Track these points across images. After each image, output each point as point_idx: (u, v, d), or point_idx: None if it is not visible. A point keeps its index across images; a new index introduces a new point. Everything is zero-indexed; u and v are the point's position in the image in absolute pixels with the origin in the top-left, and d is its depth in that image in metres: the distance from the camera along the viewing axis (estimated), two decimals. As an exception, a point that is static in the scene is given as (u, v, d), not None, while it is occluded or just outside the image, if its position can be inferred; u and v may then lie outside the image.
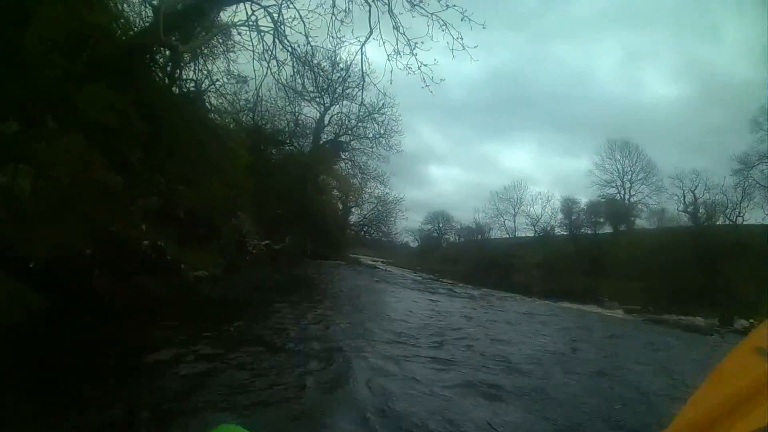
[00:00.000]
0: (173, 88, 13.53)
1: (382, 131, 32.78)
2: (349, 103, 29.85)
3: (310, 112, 30.63)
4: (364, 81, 7.58)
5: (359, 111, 30.11)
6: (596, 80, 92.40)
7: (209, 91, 13.38)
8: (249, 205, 16.47)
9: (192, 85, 13.75)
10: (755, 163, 38.16)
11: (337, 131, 33.17)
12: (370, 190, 37.76)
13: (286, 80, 8.98)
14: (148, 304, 6.64)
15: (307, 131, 29.24)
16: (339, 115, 32.60)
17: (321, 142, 31.43)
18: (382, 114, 31.12)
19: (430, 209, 66.62)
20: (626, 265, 37.05)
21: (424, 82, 7.64)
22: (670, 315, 26.74)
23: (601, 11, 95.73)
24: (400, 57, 7.69)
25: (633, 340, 15.77)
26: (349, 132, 33.57)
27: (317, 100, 29.13)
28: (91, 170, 8.59)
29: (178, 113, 12.15)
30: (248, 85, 12.56)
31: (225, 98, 13.59)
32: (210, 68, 13.03)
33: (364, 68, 7.45)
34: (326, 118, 31.95)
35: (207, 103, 13.70)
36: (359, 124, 32.82)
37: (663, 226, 43.60)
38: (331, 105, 31.09)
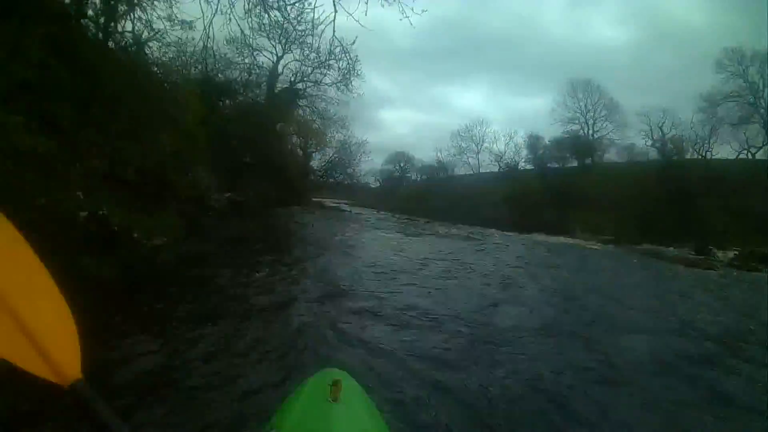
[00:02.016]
0: (108, 42, 11.75)
1: (339, 77, 30.05)
2: (304, 51, 27.69)
3: (262, 62, 28.41)
4: (336, 11, 6.22)
5: (318, 57, 27.94)
6: (542, 23, 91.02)
7: (151, 41, 11.64)
8: (205, 158, 15.09)
9: (130, 37, 11.96)
10: (719, 102, 38.83)
11: (293, 79, 31.05)
12: (331, 135, 36.11)
13: (238, 21, 7.42)
14: (95, 290, 5.48)
15: (262, 81, 27.10)
16: (293, 63, 30.37)
17: (276, 90, 29.35)
18: (340, 59, 28.85)
19: (386, 151, 65.11)
20: (596, 198, 37.04)
21: (403, 13, 6.37)
22: (646, 245, 26.79)
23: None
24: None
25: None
26: (306, 79, 31.46)
27: (269, 49, 26.99)
28: (8, 136, 7.24)
29: (115, 67, 10.55)
30: (195, 30, 10.80)
31: (169, 48, 11.85)
32: (149, 17, 11.23)
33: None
34: (279, 67, 29.76)
35: (149, 55, 11.99)
36: (316, 70, 30.63)
37: (632, 160, 43.61)
38: (284, 53, 28.85)
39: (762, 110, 39.25)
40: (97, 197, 7.18)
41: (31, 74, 7.82)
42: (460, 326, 6.28)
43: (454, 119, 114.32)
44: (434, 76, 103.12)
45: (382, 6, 6.48)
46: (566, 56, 78.78)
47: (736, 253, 24.00)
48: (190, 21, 10.58)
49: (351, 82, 28.95)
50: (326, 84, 31.03)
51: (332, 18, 6.61)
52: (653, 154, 42.72)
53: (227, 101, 21.30)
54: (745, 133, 39.64)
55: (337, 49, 6.84)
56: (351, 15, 6.44)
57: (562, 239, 27.92)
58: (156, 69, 12.04)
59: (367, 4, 6.32)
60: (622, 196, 35.16)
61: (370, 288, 8.20)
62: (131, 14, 10.95)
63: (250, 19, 7.60)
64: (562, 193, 39.60)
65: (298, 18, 7.84)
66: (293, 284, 8.26)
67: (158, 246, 8.84)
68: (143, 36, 11.32)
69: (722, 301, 11.11)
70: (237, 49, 23.42)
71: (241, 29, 7.71)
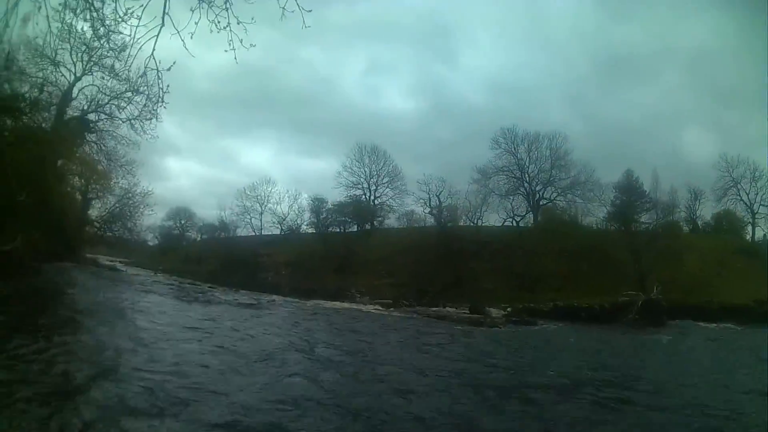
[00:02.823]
0: None
1: (136, 113, 26.77)
2: (107, 75, 24.60)
3: (57, 79, 23.66)
4: (163, 24, 5.21)
5: (124, 83, 25.04)
6: (341, 86, 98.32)
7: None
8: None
9: None
10: (491, 175, 46.10)
11: (86, 107, 26.74)
12: (116, 180, 31.33)
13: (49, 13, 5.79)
14: None
15: (53, 103, 22.42)
16: (90, 87, 26.31)
17: (66, 118, 24.61)
18: (141, 93, 25.10)
19: (167, 205, 60.05)
20: (376, 262, 38.95)
21: (231, 45, 5.67)
22: (424, 307, 28.56)
23: (353, 20, 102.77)
24: (210, 7, 5.57)
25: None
26: (100, 110, 27.38)
27: (68, 65, 23.14)
28: None
29: None
30: None
31: None
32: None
33: (166, 8, 5.11)
34: (74, 90, 25.33)
35: None
36: (113, 101, 26.93)
37: (411, 226, 47.58)
38: (83, 74, 24.95)
39: (526, 184, 47.96)
40: None
41: None
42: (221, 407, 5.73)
43: (240, 176, 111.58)
44: (225, 128, 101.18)
45: (211, 31, 5.76)
46: (357, 120, 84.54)
47: (508, 309, 27.58)
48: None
49: (157, 115, 26.14)
50: (121, 119, 27.30)
51: (156, 33, 5.60)
52: (430, 221, 46.87)
53: (9, 120, 16.70)
54: (511, 204, 47.23)
55: (151, 73, 5.74)
56: (179, 32, 5.55)
57: (342, 304, 28.39)
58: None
59: (197, 24, 5.56)
60: (401, 260, 37.76)
61: (136, 365, 7.25)
62: None
63: (62, 15, 6.07)
64: (342, 257, 40.89)
65: (114, 27, 6.56)
66: (50, 365, 6.68)
67: None
68: None
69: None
70: (33, 57, 19.69)
71: (49, 26, 6.09)
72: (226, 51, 6.62)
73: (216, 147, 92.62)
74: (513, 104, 76.86)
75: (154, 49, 6.46)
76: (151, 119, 24.76)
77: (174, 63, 6.68)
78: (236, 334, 11.78)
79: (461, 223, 44.34)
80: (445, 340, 15.02)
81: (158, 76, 6.67)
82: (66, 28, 7.97)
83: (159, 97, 6.76)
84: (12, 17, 6.11)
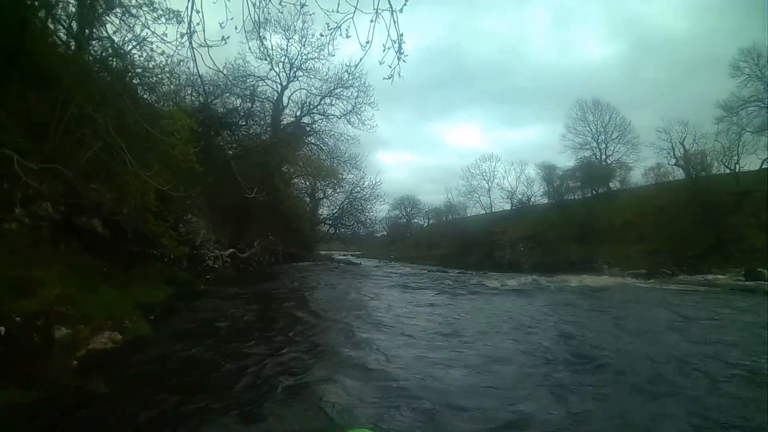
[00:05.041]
0: (84, 55, 9.37)
1: (349, 107, 28.77)
2: (310, 79, 26.50)
3: (265, 91, 26.31)
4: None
5: (324, 85, 27.36)
6: (529, 48, 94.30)
7: (133, 49, 9.22)
8: (202, 203, 12.60)
9: (109, 45, 9.56)
10: (738, 109, 36.57)
11: (298, 113, 29.02)
12: (342, 175, 32.97)
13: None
14: None
15: (267, 113, 25.12)
16: (299, 92, 28.68)
17: (281, 125, 27.35)
18: (350, 86, 27.52)
19: (389, 196, 63.07)
20: (623, 228, 34.97)
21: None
22: (684, 275, 25.09)
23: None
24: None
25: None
26: (313, 111, 29.38)
27: (272, 76, 25.43)
28: None
29: (84, 80, 8.19)
30: (183, 24, 8.16)
31: (154, 57, 9.38)
32: (128, 13, 8.85)
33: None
34: (284, 99, 27.90)
35: (131, 70, 9.61)
36: (323, 101, 28.82)
37: (658, 182, 41.73)
38: (288, 83, 27.33)
39: (786, 113, 36.13)
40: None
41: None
42: None
43: (452, 158, 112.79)
44: (426, 113, 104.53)
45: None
46: (556, 80, 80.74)
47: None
48: (178, 11, 7.85)
49: (361, 114, 28.14)
50: (335, 116, 29.39)
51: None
52: (679, 173, 40.55)
53: (227, 134, 18.79)
54: (769, 140, 36.90)
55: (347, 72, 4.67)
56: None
57: (590, 278, 25.17)
58: (139, 85, 9.70)
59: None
60: (650, 222, 33.42)
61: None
62: (109, 15, 8.66)
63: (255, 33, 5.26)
64: (583, 225, 37.58)
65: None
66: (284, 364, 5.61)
67: (97, 352, 5.34)
68: (125, 40, 8.96)
69: None
70: (239, 76, 22.50)
71: (247, 45, 5.48)
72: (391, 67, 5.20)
73: (422, 134, 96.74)
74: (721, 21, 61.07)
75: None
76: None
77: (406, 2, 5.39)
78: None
79: (714, 171, 36.79)
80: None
81: (395, 23, 5.35)
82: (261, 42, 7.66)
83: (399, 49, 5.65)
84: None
